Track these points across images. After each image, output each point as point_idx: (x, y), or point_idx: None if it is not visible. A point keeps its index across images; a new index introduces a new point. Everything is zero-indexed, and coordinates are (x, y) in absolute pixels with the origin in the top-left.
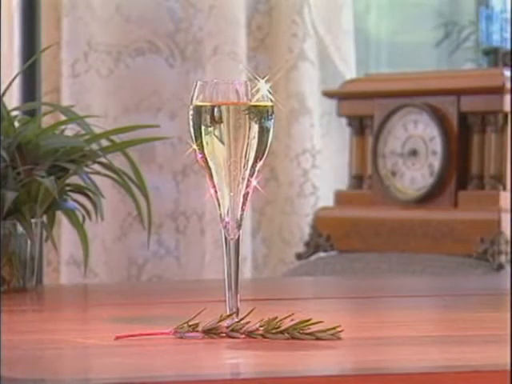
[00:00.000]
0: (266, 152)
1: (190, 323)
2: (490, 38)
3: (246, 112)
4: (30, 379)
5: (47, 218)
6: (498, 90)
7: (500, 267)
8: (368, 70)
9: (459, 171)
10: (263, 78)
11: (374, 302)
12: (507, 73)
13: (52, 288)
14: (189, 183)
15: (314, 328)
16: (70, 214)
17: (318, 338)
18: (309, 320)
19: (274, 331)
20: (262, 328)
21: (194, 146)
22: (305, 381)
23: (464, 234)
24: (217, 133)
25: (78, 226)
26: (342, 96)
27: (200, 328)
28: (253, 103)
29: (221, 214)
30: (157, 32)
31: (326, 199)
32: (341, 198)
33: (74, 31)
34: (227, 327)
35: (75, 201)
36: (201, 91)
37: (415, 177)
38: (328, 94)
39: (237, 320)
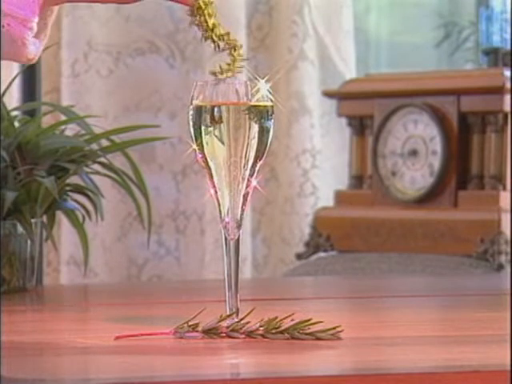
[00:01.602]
0: (266, 152)
1: (190, 323)
2: (490, 38)
3: (246, 112)
4: (30, 379)
5: (47, 218)
6: (498, 90)
7: (500, 267)
8: (368, 70)
9: (459, 171)
10: (263, 78)
11: (373, 302)
12: (507, 73)
13: (52, 288)
14: (189, 183)
15: (313, 328)
16: (70, 214)
17: (318, 338)
18: (309, 320)
19: (274, 331)
20: (262, 328)
21: (194, 146)
22: (305, 381)
23: (464, 234)
24: (217, 133)
25: (78, 225)
26: (342, 96)
27: (200, 328)
28: (253, 103)
29: (221, 214)
30: (157, 32)
31: (326, 199)
32: (341, 198)
33: (74, 31)
34: (227, 327)
35: (75, 201)
36: (201, 91)
37: (415, 177)
38: (328, 94)
39: (237, 320)
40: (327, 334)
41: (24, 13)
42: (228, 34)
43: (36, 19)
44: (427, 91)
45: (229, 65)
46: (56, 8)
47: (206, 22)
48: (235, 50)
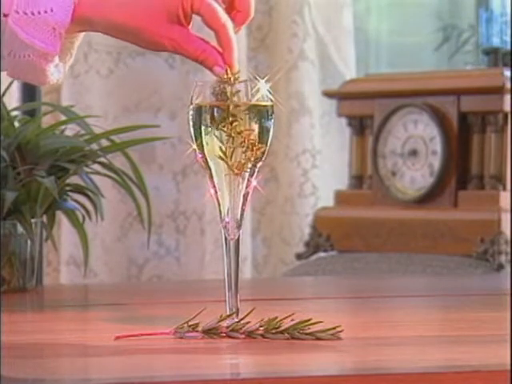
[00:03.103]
0: (266, 152)
1: (190, 323)
2: (490, 40)
3: (246, 112)
4: (30, 379)
5: (47, 218)
6: (498, 90)
7: (500, 267)
8: (368, 70)
9: (459, 171)
10: (263, 78)
11: (374, 302)
12: (507, 73)
13: (52, 288)
14: (189, 183)
15: (313, 328)
16: (70, 214)
17: (318, 338)
18: (309, 320)
19: (274, 331)
20: (261, 328)
21: (194, 146)
22: (305, 381)
23: (464, 234)
24: (217, 133)
25: (78, 225)
26: (342, 96)
27: (200, 328)
28: (253, 103)
29: (221, 214)
30: None
31: (326, 199)
32: (341, 198)
33: None
34: (227, 327)
35: (75, 201)
36: (201, 91)
37: (415, 177)
38: (328, 94)
39: (237, 320)
40: (327, 334)
41: (45, 46)
42: (248, 131)
43: (57, 53)
44: (427, 91)
45: (244, 162)
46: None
47: (227, 114)
48: (253, 148)
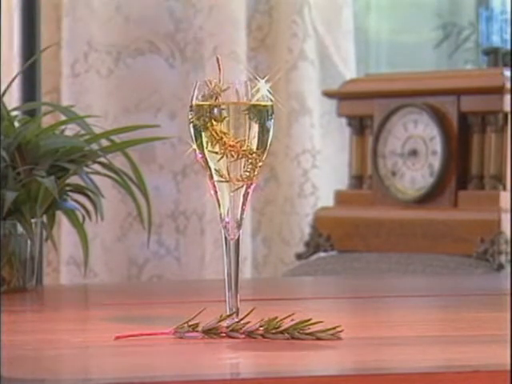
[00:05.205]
0: (266, 152)
1: (190, 323)
2: (490, 39)
3: (246, 112)
4: (30, 379)
5: (47, 218)
6: (498, 90)
7: (500, 267)
8: (368, 70)
9: (459, 171)
10: (263, 78)
11: (374, 302)
12: (507, 73)
13: (52, 288)
14: (189, 183)
15: (313, 328)
16: (70, 214)
17: (318, 338)
18: (309, 320)
19: (274, 331)
20: (261, 328)
21: (194, 146)
22: (305, 381)
23: (464, 234)
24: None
25: (78, 225)
26: (342, 96)
27: (200, 328)
28: (253, 103)
29: (221, 214)
30: (157, 32)
31: (326, 199)
32: (341, 198)
33: (74, 31)
34: (227, 327)
35: (75, 201)
36: (201, 91)
37: (415, 177)
38: (328, 94)
39: (237, 320)
40: (327, 334)
41: None
42: (241, 142)
43: None
44: (427, 91)
45: (248, 172)
46: None
47: (216, 132)
48: (251, 154)
